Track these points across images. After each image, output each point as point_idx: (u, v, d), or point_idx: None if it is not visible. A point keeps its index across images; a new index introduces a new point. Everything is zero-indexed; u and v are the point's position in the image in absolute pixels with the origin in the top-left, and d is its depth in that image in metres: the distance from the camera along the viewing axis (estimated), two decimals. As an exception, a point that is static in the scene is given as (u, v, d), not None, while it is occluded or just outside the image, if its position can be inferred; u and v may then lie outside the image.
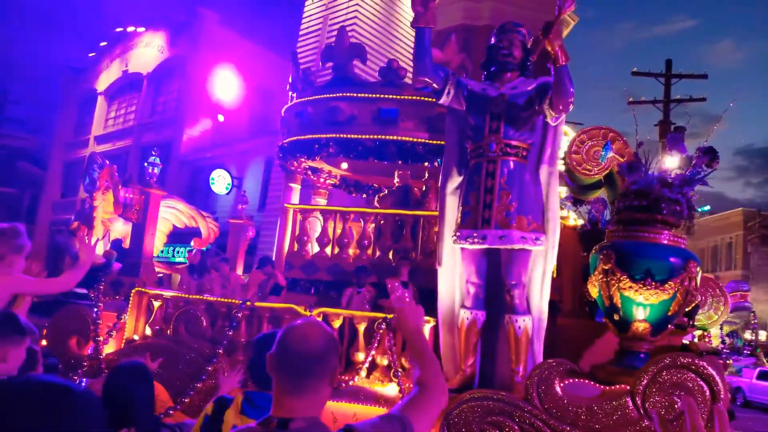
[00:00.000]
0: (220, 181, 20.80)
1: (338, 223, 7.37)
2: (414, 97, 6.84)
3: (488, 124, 4.86)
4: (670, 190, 5.32)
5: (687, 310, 5.89)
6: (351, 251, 7.36)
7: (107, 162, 8.06)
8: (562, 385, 4.27)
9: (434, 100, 5.27)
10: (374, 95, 7.05)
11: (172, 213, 10.44)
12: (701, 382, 4.31)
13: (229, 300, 6.06)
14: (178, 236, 12.61)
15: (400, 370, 5.16)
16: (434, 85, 4.89)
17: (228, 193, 20.92)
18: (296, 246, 7.42)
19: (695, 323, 6.17)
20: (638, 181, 5.33)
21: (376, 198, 9.25)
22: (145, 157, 27.12)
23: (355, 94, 7.12)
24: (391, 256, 7.00)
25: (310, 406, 1.61)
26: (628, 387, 4.22)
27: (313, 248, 7.50)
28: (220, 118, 24.32)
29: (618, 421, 4.12)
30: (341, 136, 7.01)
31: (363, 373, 5.29)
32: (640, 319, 5.36)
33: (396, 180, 8.23)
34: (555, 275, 5.86)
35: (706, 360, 4.69)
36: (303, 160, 7.91)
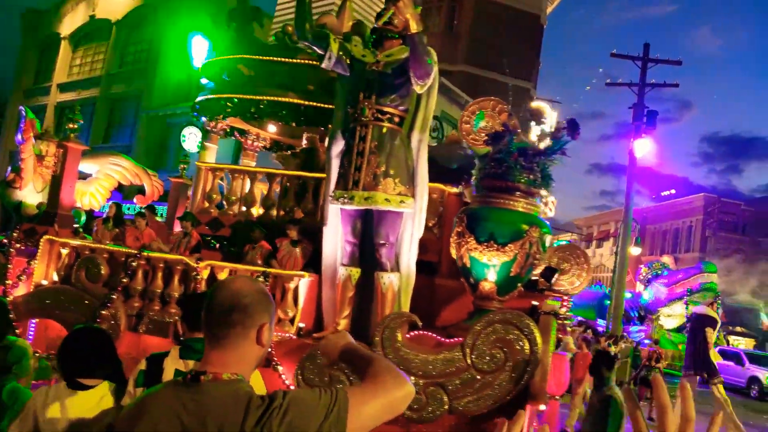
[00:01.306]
0: (191, 139, 20.20)
1: (245, 182, 7.79)
2: (307, 61, 7.00)
3: (363, 89, 5.12)
4: (525, 159, 5.71)
5: (550, 274, 6.46)
6: (255, 210, 7.77)
7: (26, 114, 8.22)
8: (405, 335, 4.65)
9: None
10: (270, 58, 7.31)
11: (117, 170, 10.56)
12: (523, 338, 4.79)
13: (127, 249, 6.47)
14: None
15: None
16: (317, 49, 5.12)
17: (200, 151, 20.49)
18: (205, 203, 7.80)
19: (559, 288, 6.79)
20: (501, 150, 5.72)
21: (276, 155, 9.62)
22: (114, 109, 26.52)
23: (252, 56, 7.39)
24: (300, 215, 7.35)
25: (232, 361, 1.56)
26: (461, 340, 4.68)
27: (230, 206, 7.87)
28: (198, 72, 23.56)
29: (451, 371, 4.50)
30: (238, 96, 7.29)
31: None
32: (486, 279, 5.88)
33: (304, 142, 8.55)
34: (437, 237, 6.40)
35: (538, 319, 5.35)
36: (219, 119, 8.17)
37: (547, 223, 6.53)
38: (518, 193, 5.97)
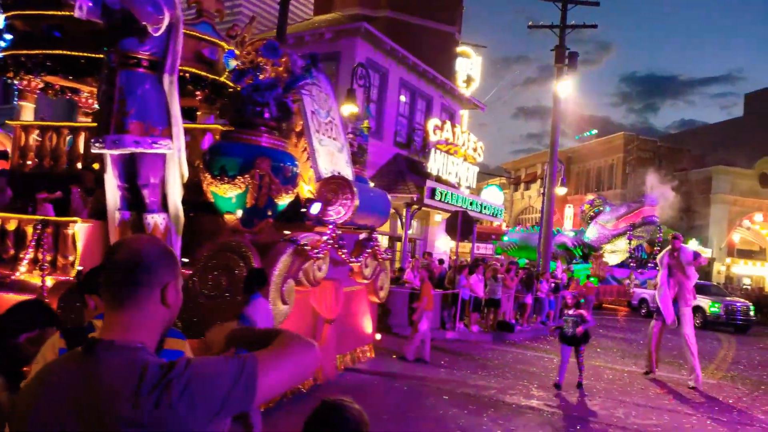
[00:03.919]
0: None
1: (54, 137, 8.18)
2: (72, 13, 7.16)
3: (110, 35, 5.23)
4: (259, 93, 6.03)
5: (312, 206, 7.18)
6: (46, 162, 8.17)
7: None
8: None
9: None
10: (37, 12, 7.55)
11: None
12: (242, 262, 5.37)
13: None
14: None
15: (46, 264, 6.16)
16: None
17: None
18: (20, 160, 8.21)
19: (326, 219, 7.42)
20: (244, 88, 6.07)
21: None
22: None
23: (23, 12, 7.66)
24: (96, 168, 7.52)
25: (135, 324, 1.47)
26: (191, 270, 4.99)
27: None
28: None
29: (185, 300, 5.38)
30: (13, 52, 7.63)
31: (23, 268, 6.27)
32: (228, 213, 6.33)
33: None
34: None
35: (279, 245, 6.10)
36: (32, 78, 8.37)
37: (290, 157, 6.99)
38: (263, 128, 6.38)
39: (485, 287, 14.69)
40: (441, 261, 18.70)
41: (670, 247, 10.86)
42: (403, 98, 20.40)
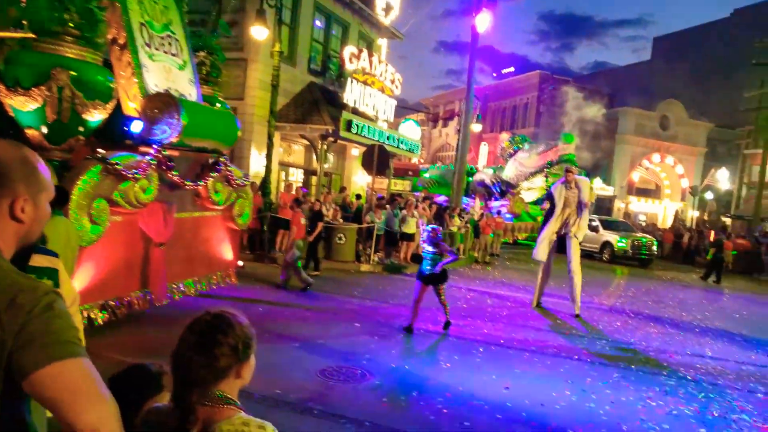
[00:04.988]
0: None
1: None
2: None
3: None
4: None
5: (137, 124, 7.04)
6: None
7: None
8: None
9: None
10: None
11: None
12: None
13: None
14: None
15: None
16: None
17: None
18: None
19: (152, 138, 7.18)
20: None
21: None
22: None
23: None
24: None
25: None
26: None
27: None
28: None
29: None
30: None
31: None
32: (28, 127, 6.08)
33: None
34: None
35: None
36: None
37: (100, 69, 6.64)
38: (66, 37, 6.03)
39: (400, 221, 14.71)
40: (358, 196, 18.53)
41: (565, 179, 10.71)
42: (318, 23, 19.44)
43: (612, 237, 22.34)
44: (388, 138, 19.15)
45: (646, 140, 38.00)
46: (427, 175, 31.53)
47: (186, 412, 1.46)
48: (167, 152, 7.34)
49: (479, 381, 6.21)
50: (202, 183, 8.17)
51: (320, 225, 12.04)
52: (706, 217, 36.40)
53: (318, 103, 17.47)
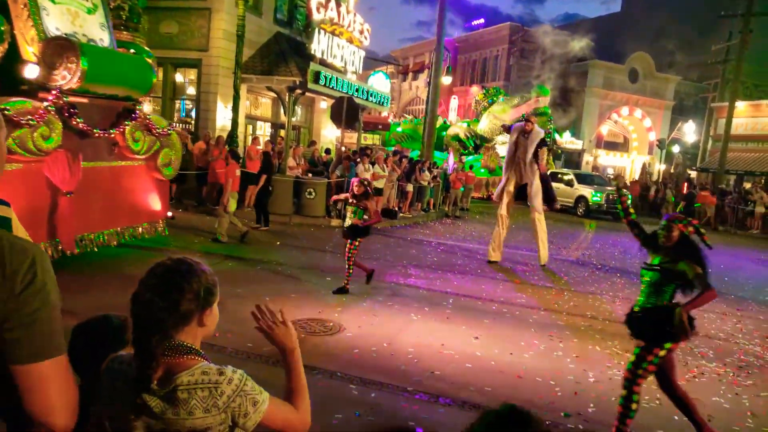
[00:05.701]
0: None
1: None
2: None
3: None
4: None
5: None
6: None
7: None
8: None
9: None
10: None
11: None
12: None
13: None
14: None
15: None
16: None
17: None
18: None
19: (53, 84, 6.92)
20: None
21: None
22: None
23: None
24: None
25: None
26: None
27: None
28: None
29: None
30: None
31: None
32: None
33: None
34: None
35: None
36: None
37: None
38: None
39: (371, 176, 14.59)
40: (327, 150, 18.25)
41: (521, 125, 10.42)
42: (284, -30, 18.69)
43: (587, 191, 22.44)
44: (357, 90, 18.79)
45: (615, 93, 38.18)
46: (399, 129, 31.21)
47: (146, 357, 1.43)
48: (70, 99, 7.05)
49: (449, 332, 6.28)
50: (115, 131, 7.86)
51: (263, 177, 11.75)
52: (672, 170, 37.11)
53: (285, 54, 16.96)
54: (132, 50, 8.49)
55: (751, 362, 6.25)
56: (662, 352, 3.86)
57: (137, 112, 8.22)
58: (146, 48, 9.00)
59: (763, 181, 27.59)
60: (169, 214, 9.67)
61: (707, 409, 4.70)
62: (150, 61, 8.52)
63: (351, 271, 7.56)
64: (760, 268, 13.25)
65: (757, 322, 8.07)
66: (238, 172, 10.28)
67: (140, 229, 8.81)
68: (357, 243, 7.50)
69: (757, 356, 6.48)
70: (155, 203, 9.06)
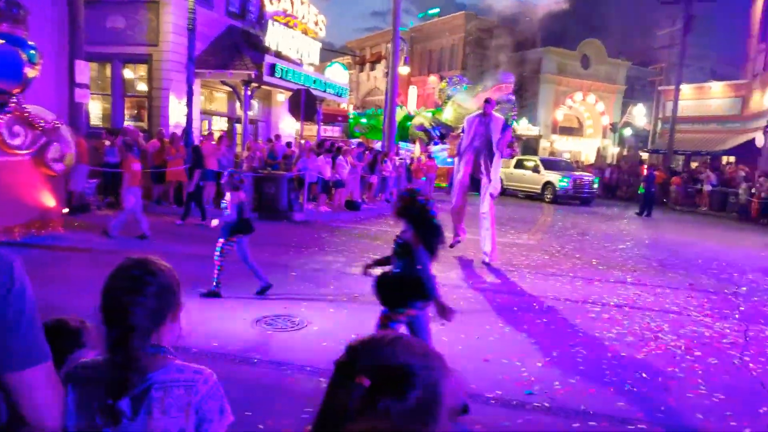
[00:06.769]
0: None
1: None
2: None
3: None
4: None
5: None
6: None
7: None
8: None
9: None
10: None
11: None
12: None
13: None
14: None
15: None
16: None
17: None
18: None
19: None
20: None
21: None
22: None
23: None
24: None
25: None
26: None
27: None
28: None
29: None
30: None
31: None
32: None
33: None
34: None
35: None
36: None
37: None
38: None
39: (331, 168, 14.53)
40: (289, 144, 18.08)
41: (480, 111, 9.77)
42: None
43: (553, 177, 22.44)
44: (314, 82, 18.64)
45: (569, 79, 38.89)
46: (363, 120, 31.07)
47: (129, 359, 1.39)
48: None
49: (416, 320, 6.31)
50: None
51: (197, 172, 11.32)
52: (625, 153, 38.08)
53: (239, 47, 16.68)
54: (2, 40, 8.08)
55: (701, 333, 6.50)
56: None
57: (10, 105, 7.92)
58: (30, 41, 8.54)
59: (708, 160, 28.61)
60: (65, 210, 9.41)
61: (663, 378, 4.89)
62: (27, 54, 8.06)
63: (220, 271, 6.65)
64: (710, 244, 13.76)
65: (706, 295, 8.39)
66: (136, 167, 9.61)
67: (32, 226, 8.53)
68: (234, 240, 6.65)
69: (708, 327, 6.74)
70: (46, 199, 8.78)
